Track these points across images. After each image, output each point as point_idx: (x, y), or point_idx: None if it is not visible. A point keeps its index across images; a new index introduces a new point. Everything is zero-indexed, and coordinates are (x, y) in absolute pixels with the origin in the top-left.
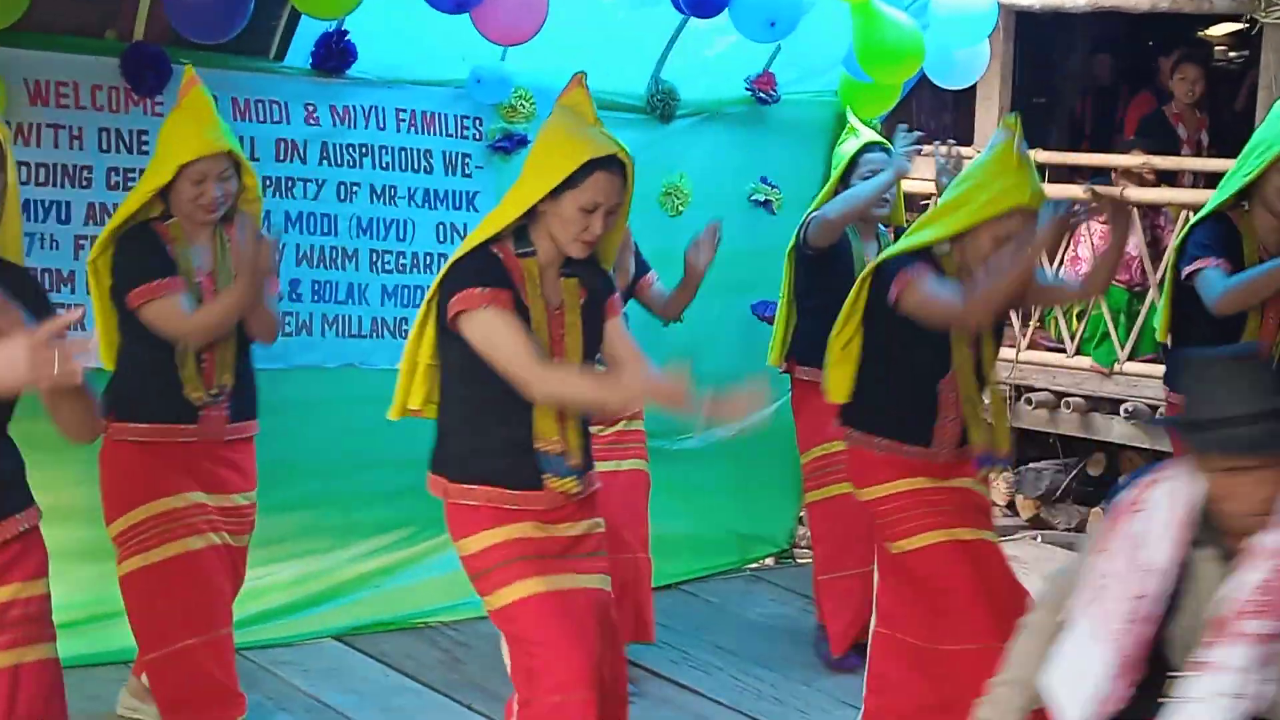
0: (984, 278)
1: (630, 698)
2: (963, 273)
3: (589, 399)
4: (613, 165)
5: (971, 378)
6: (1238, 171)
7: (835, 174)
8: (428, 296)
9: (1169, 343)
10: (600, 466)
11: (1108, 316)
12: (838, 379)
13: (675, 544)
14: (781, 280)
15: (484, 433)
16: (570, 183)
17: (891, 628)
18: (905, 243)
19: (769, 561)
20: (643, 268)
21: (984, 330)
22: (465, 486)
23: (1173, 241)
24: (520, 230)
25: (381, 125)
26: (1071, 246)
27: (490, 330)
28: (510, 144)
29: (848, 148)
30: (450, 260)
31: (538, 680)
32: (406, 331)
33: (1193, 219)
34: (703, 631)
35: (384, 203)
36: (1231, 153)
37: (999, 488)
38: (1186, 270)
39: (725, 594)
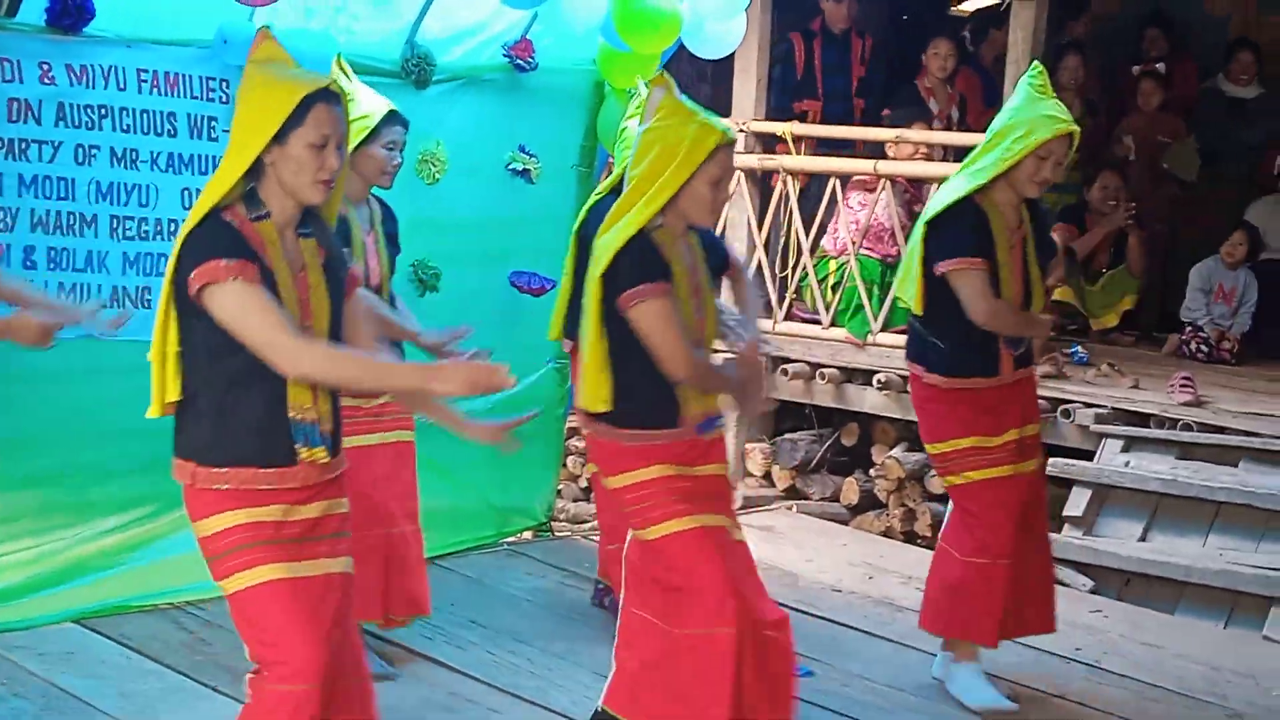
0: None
1: (390, 678)
2: (680, 240)
3: (349, 381)
4: (330, 97)
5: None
6: (990, 154)
7: (623, 155)
8: (167, 275)
9: (921, 316)
10: (365, 440)
11: (861, 289)
12: (598, 387)
13: (432, 518)
14: (565, 256)
15: (234, 412)
16: (293, 121)
17: (639, 607)
18: (617, 233)
19: (527, 535)
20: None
21: (707, 306)
22: (215, 470)
23: (922, 216)
24: (249, 193)
25: (122, 86)
26: (832, 221)
27: (240, 305)
28: None
29: (636, 127)
30: (181, 233)
31: (268, 669)
32: (149, 301)
33: (943, 200)
34: (459, 606)
35: (125, 167)
36: (980, 128)
37: (755, 458)
38: (945, 268)
39: (482, 568)
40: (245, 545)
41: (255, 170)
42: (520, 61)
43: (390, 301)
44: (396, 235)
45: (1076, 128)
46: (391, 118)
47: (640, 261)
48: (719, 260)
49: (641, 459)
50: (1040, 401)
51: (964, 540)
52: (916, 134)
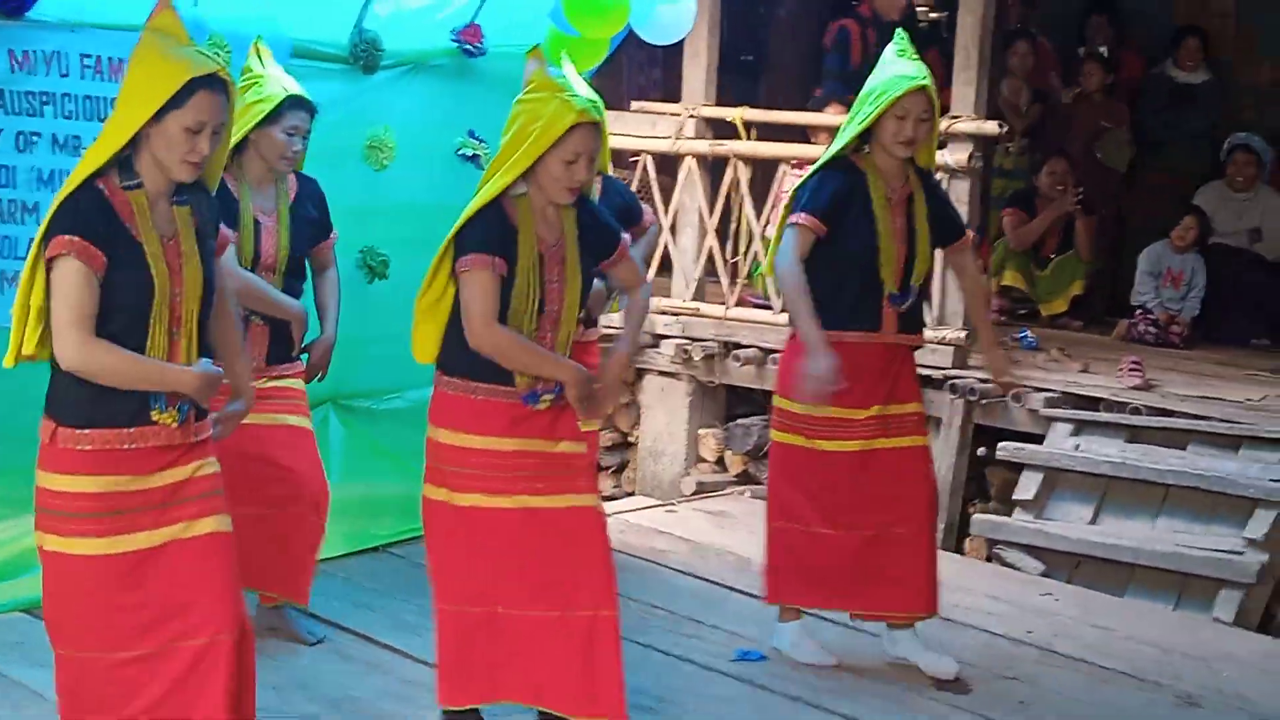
0: (527, 342)
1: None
2: (544, 210)
3: (113, 378)
4: (215, 84)
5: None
6: (854, 118)
7: None
8: (37, 237)
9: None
10: (259, 419)
11: None
12: (423, 338)
13: (383, 505)
14: None
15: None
16: (174, 103)
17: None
18: (474, 200)
19: None
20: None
21: (567, 282)
22: (78, 432)
23: (794, 185)
24: (125, 161)
25: (64, 72)
26: (776, 205)
27: (58, 281)
28: None
29: None
30: (55, 199)
31: (65, 636)
32: None
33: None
34: (411, 594)
35: (68, 154)
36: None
37: (708, 444)
38: (792, 218)
39: None
40: (92, 514)
41: (134, 139)
42: (469, 46)
43: (287, 284)
44: (323, 218)
45: (928, 83)
46: (294, 103)
47: (483, 229)
48: (601, 243)
49: (479, 424)
50: (989, 385)
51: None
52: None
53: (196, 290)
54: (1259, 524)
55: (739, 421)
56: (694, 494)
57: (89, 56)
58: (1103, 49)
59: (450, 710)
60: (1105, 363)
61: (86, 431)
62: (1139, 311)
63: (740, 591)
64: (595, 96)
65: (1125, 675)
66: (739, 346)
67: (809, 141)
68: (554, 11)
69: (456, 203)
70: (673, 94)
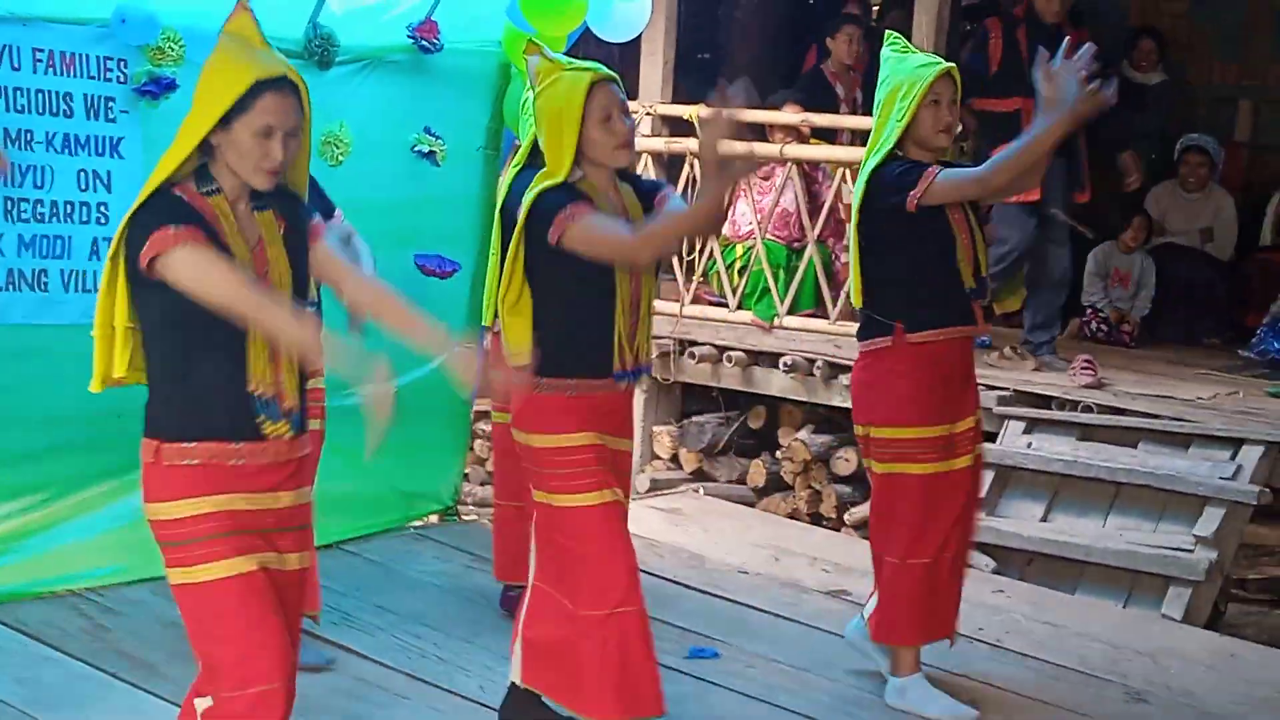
0: (660, 217)
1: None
2: (606, 191)
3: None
4: (283, 86)
5: (630, 312)
6: (888, 125)
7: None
8: (110, 253)
9: (865, 304)
10: None
11: (768, 272)
12: (517, 336)
13: (336, 502)
14: (476, 237)
15: (196, 385)
16: (240, 108)
17: (545, 582)
18: (539, 184)
19: (433, 519)
20: (328, 207)
21: (647, 266)
22: (182, 446)
23: (853, 199)
24: (200, 169)
25: (16, 65)
26: (732, 204)
27: (194, 265)
28: (157, 88)
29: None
30: (129, 211)
31: (227, 671)
32: (46, 284)
33: (868, 167)
34: (365, 591)
35: (19, 148)
36: None
37: (662, 441)
38: (914, 197)
39: (388, 552)
40: (211, 535)
41: (206, 147)
42: (425, 42)
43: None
44: (325, 205)
45: (952, 64)
46: None
47: (562, 199)
48: (650, 200)
49: (571, 422)
50: None
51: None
52: (821, 118)
53: (285, 298)
54: (1208, 521)
55: (694, 419)
56: (648, 491)
57: (41, 50)
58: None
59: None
60: (1057, 361)
61: (191, 446)
62: (1090, 310)
63: (694, 589)
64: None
65: (1075, 671)
66: (694, 344)
67: (766, 140)
68: (510, 8)
69: (412, 198)
70: (630, 92)
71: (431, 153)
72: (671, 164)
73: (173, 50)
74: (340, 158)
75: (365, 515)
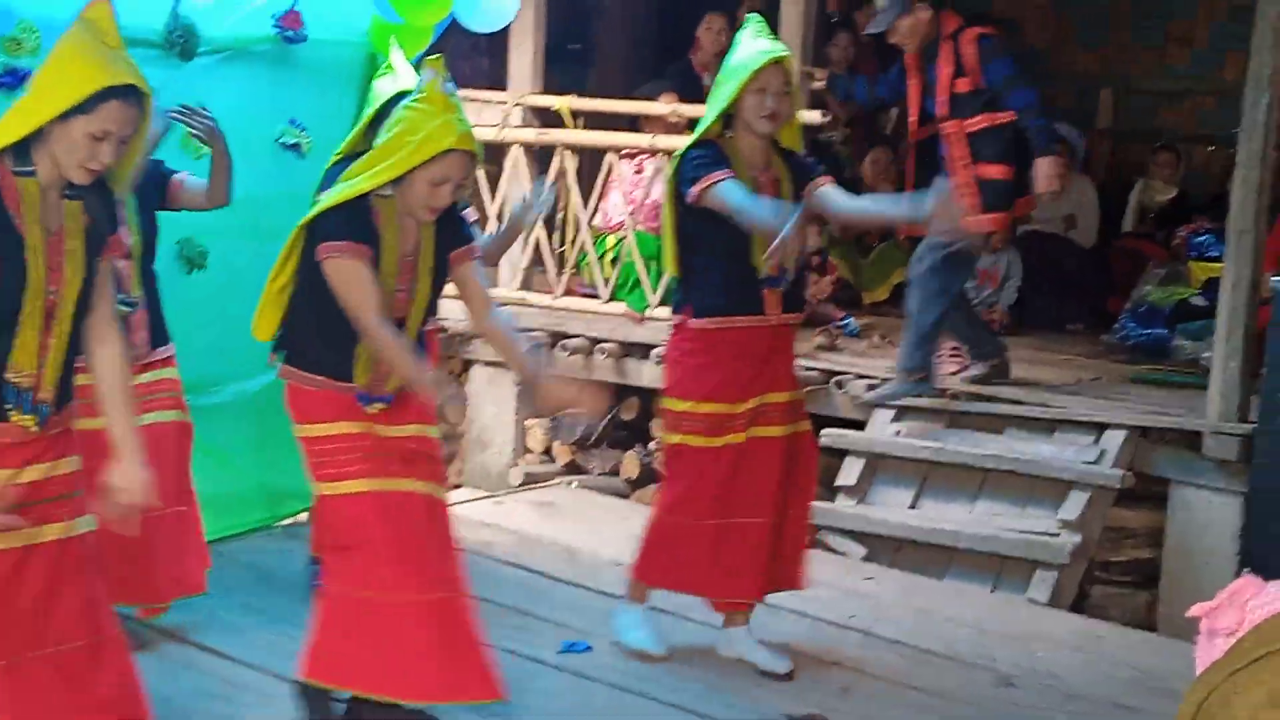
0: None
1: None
2: (404, 217)
3: None
4: (129, 95)
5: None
6: (714, 99)
7: (367, 115)
8: None
9: (680, 276)
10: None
11: (639, 264)
12: (266, 319)
13: (203, 502)
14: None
15: None
16: (82, 109)
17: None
18: (339, 190)
19: (303, 516)
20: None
21: (418, 293)
22: None
23: (663, 175)
24: (21, 146)
25: None
26: (604, 195)
27: None
28: (13, 80)
29: (383, 88)
30: None
31: None
32: None
33: (684, 145)
34: (231, 591)
35: None
36: None
37: (535, 434)
38: (696, 190)
39: (256, 552)
40: None
41: (36, 130)
42: (289, 33)
43: (145, 267)
44: (164, 190)
45: (787, 54)
46: None
47: (347, 220)
48: (454, 243)
49: (330, 411)
50: (813, 372)
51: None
52: (692, 108)
53: (73, 292)
54: (1073, 506)
55: (567, 412)
56: (521, 485)
57: None
58: None
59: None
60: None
61: None
62: None
63: (567, 583)
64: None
65: (944, 657)
66: (567, 337)
67: (638, 131)
68: None
69: (277, 191)
70: (500, 83)
71: (296, 145)
72: (542, 155)
73: (29, 41)
74: (203, 151)
75: (233, 515)
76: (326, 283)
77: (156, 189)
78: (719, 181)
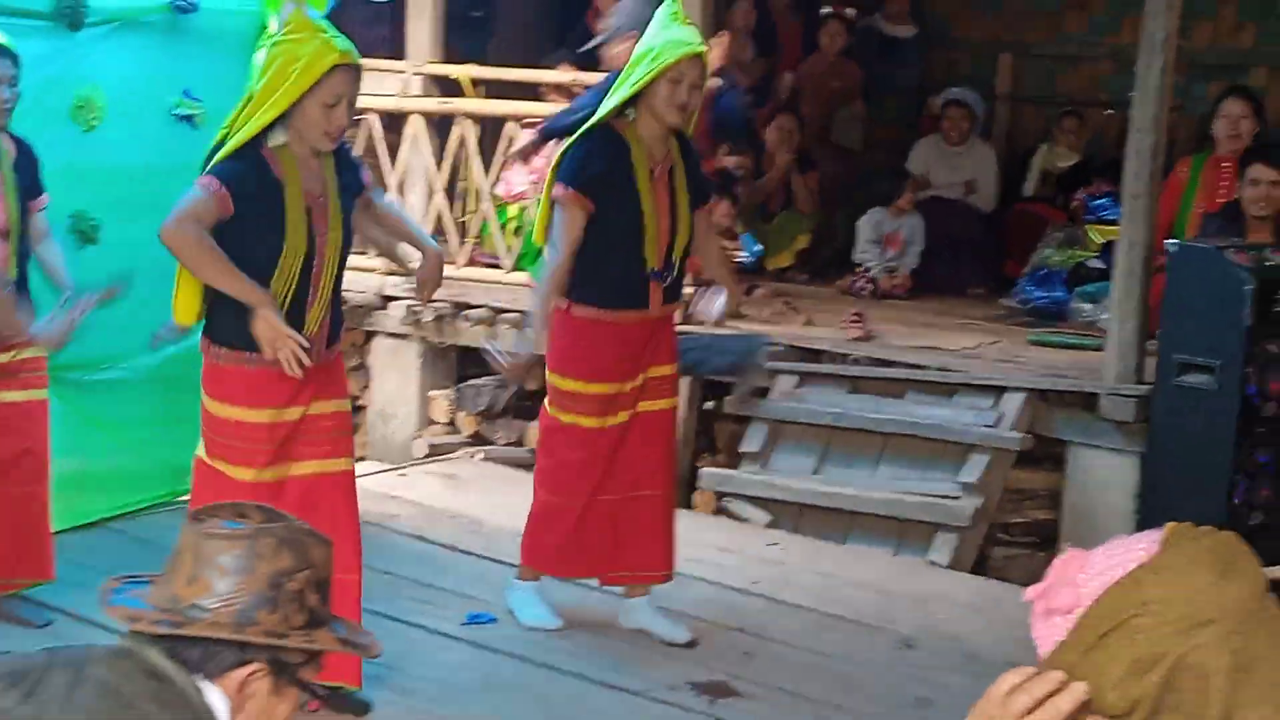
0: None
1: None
2: (305, 161)
3: None
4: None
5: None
6: (625, 80)
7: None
8: None
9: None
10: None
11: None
12: (183, 300)
13: (101, 479)
14: None
15: None
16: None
17: None
18: (230, 143)
19: None
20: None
21: (332, 231)
22: None
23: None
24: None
25: None
26: (506, 164)
27: None
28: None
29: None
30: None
31: None
32: None
33: (574, 135)
34: (130, 569)
35: None
36: None
37: (439, 405)
38: (557, 193)
39: (155, 528)
40: None
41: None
42: (181, 3)
43: (22, 248)
44: (35, 181)
45: (705, 49)
46: None
47: (237, 168)
48: (355, 183)
49: (241, 394)
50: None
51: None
52: (591, 76)
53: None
54: (972, 468)
55: (470, 382)
56: (425, 457)
57: None
58: (850, 11)
59: None
60: (828, 315)
61: None
62: (859, 268)
63: (472, 554)
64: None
65: (847, 620)
66: (470, 307)
67: (539, 99)
68: None
69: (172, 163)
70: (399, 52)
71: (191, 116)
72: (442, 125)
73: None
74: (94, 123)
75: (130, 491)
76: (246, 251)
77: (31, 168)
78: (565, 205)
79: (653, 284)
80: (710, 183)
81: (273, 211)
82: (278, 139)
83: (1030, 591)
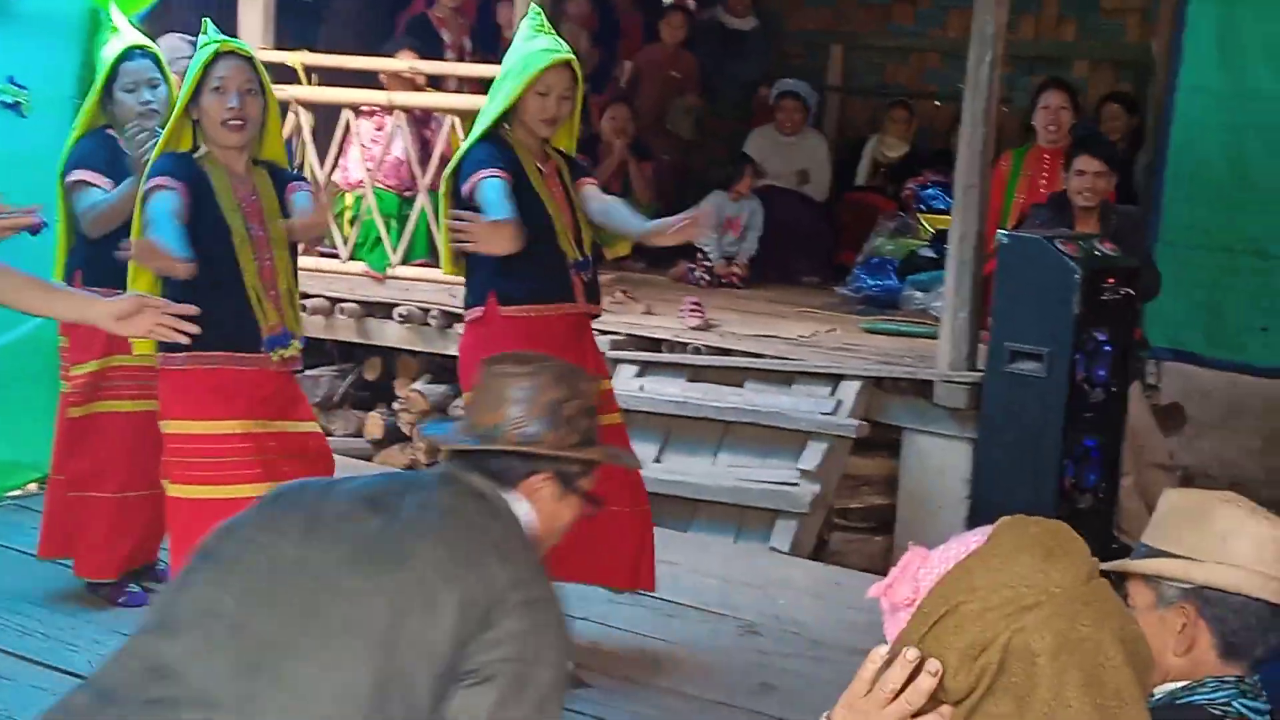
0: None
1: None
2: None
3: None
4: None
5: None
6: (495, 95)
7: (98, 82)
8: None
9: (471, 269)
10: None
11: (379, 222)
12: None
13: None
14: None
15: None
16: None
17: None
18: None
19: (33, 488)
20: None
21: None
22: None
23: (452, 159)
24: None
25: None
26: (342, 152)
27: None
28: None
29: (109, 51)
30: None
31: None
32: None
33: (467, 135)
34: None
35: None
36: (495, 59)
37: None
38: (466, 187)
39: None
40: None
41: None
42: None
43: None
44: None
45: (571, 56)
46: None
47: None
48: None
49: (203, 405)
50: None
51: None
52: (429, 65)
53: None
54: (811, 455)
55: (308, 373)
56: None
57: None
58: (691, 2)
59: None
60: (667, 304)
61: None
62: (698, 255)
63: None
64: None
65: (691, 608)
66: (306, 296)
67: (378, 87)
68: None
69: None
70: (229, 34)
71: (17, 104)
72: None
73: None
74: None
75: None
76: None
77: None
78: (485, 178)
79: (576, 276)
80: (590, 171)
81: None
82: (199, 150)
83: (875, 589)
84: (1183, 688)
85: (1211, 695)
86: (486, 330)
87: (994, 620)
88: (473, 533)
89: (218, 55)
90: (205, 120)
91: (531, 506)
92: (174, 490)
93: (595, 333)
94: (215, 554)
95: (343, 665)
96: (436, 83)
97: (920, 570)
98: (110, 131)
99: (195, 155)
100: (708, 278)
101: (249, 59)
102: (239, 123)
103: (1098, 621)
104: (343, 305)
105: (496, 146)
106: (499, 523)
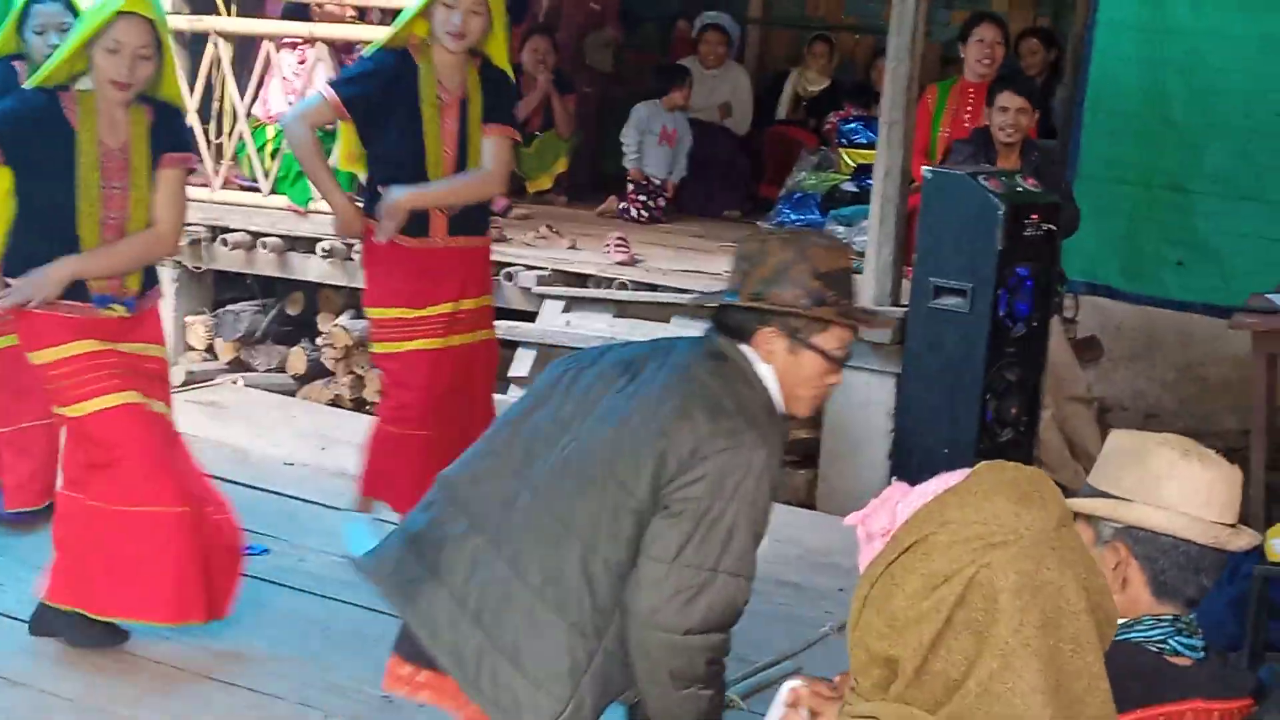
0: None
1: None
2: (111, 111)
3: None
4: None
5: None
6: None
7: (8, 25)
8: None
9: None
10: None
11: None
12: None
13: None
14: None
15: None
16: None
17: (74, 490)
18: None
19: None
20: None
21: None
22: None
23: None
24: None
25: None
26: (263, 85)
27: None
28: None
29: None
30: None
31: None
32: None
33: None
34: None
35: None
36: None
37: (197, 331)
38: (323, 89)
39: None
40: None
41: None
42: None
43: None
44: None
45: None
46: None
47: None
48: (170, 146)
49: (65, 333)
50: None
51: (382, 407)
52: None
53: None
54: None
55: (229, 308)
56: (184, 385)
57: None
58: None
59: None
60: (592, 239)
61: None
62: (631, 191)
63: (239, 484)
64: None
65: None
66: (227, 231)
67: (304, 18)
68: None
69: None
70: None
71: None
72: (194, 43)
73: None
74: None
75: None
76: (32, 199)
77: None
78: (323, 102)
79: (435, 213)
80: (511, 116)
81: (51, 160)
82: (84, 86)
83: (852, 517)
84: (1120, 625)
85: (1148, 633)
86: (368, 250)
87: (961, 554)
88: (690, 387)
89: (119, 15)
90: (94, 73)
91: (770, 366)
92: (72, 411)
93: (520, 268)
94: (535, 394)
95: (567, 495)
96: (363, 15)
97: (899, 504)
98: (16, 64)
99: (76, 88)
100: (645, 201)
101: (150, 21)
102: (125, 85)
103: (1062, 567)
104: (264, 240)
105: (394, 59)
106: (720, 380)
